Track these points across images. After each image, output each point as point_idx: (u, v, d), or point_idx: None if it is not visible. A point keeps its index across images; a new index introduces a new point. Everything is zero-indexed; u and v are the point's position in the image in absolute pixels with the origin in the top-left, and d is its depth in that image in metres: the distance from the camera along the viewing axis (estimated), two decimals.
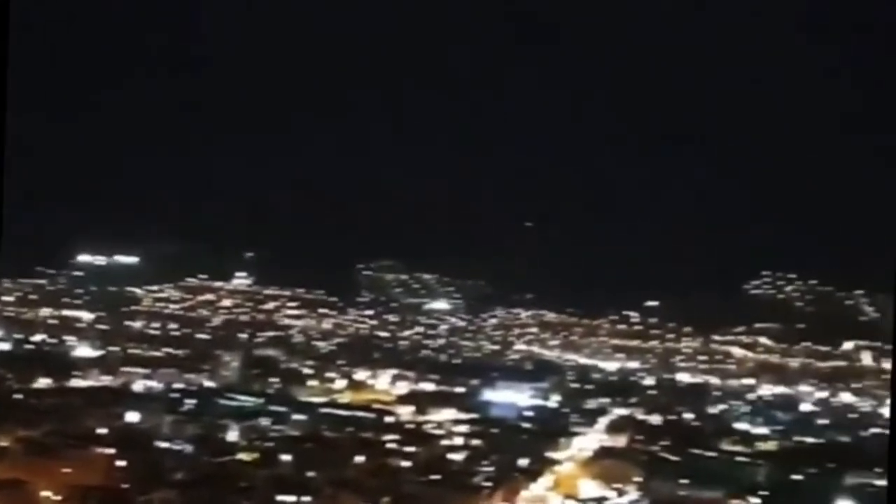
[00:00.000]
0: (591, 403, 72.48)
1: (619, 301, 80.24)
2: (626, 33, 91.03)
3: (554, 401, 73.41)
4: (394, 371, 74.64)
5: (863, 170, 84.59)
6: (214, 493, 52.49)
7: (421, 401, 70.38)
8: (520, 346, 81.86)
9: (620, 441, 68.13)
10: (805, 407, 75.20)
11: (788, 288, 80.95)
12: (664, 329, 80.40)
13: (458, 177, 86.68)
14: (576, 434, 68.38)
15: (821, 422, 72.79)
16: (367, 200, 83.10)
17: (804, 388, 76.83)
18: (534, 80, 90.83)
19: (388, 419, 67.04)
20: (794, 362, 78.35)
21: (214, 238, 78.33)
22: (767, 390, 76.92)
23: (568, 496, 63.80)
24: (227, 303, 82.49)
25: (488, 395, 72.12)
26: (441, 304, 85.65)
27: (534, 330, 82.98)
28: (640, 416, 71.54)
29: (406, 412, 68.65)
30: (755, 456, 68.65)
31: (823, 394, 76.14)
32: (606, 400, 72.97)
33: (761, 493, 64.88)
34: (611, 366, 79.55)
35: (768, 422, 72.75)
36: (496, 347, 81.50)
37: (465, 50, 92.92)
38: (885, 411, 74.28)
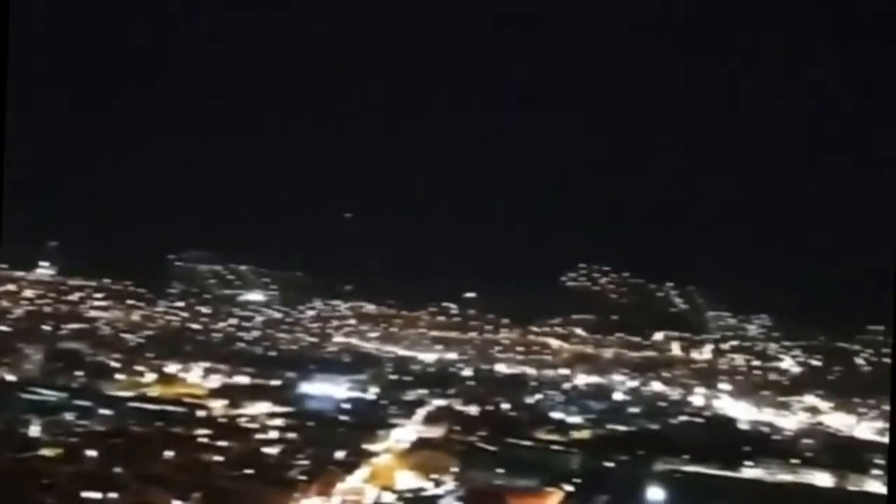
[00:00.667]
0: (410, 395, 72.40)
1: (439, 293, 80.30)
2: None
3: (372, 393, 73.05)
4: (206, 364, 73.10)
5: (671, 162, 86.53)
6: (16, 489, 50.59)
7: (234, 394, 69.17)
8: (338, 339, 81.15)
9: (438, 432, 68.24)
10: (617, 396, 76.63)
11: (603, 280, 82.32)
12: (482, 320, 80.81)
13: (277, 165, 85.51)
14: (393, 426, 68.23)
15: (632, 410, 74.30)
16: (180, 187, 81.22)
17: (617, 377, 78.27)
18: (366, 75, 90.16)
19: (200, 413, 65.68)
20: (608, 352, 79.76)
21: (15, 226, 75.09)
22: (582, 380, 78.11)
23: (384, 488, 63.58)
24: (29, 294, 79.55)
25: (305, 387, 71.32)
26: (256, 296, 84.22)
27: (352, 322, 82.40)
28: (458, 406, 71.78)
29: (219, 406, 67.38)
30: (569, 444, 69.76)
31: (635, 383, 77.70)
32: (425, 391, 72.98)
33: (575, 480, 65.95)
34: (429, 357, 79.51)
35: (582, 411, 73.93)
36: (314, 339, 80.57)
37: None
38: (694, 399, 76.41)
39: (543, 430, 70.89)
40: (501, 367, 78.90)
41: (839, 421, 72.91)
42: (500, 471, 66.74)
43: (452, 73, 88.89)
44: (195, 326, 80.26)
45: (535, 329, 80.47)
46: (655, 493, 65.36)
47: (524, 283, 77.04)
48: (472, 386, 75.03)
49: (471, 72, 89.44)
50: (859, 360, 75.76)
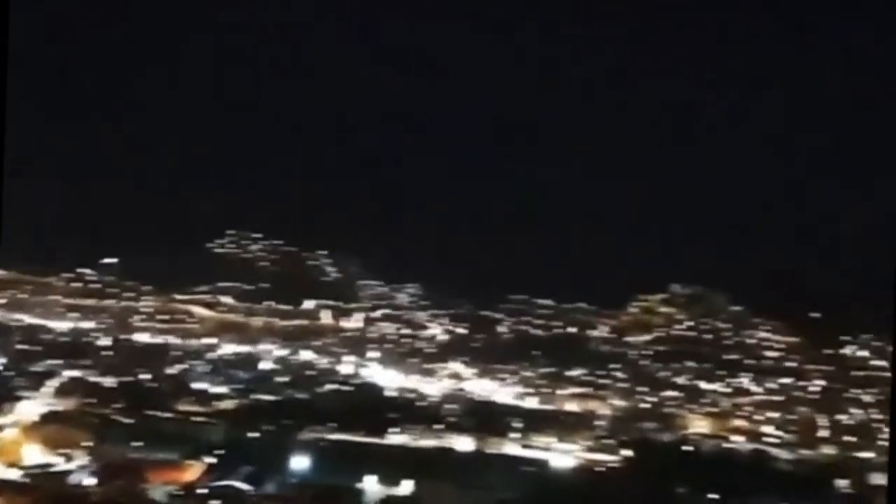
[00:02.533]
0: (39, 366, 68.63)
1: (75, 257, 76.09)
2: None
3: None
4: None
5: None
6: None
7: None
8: None
9: (69, 404, 65.01)
10: (265, 365, 75.33)
11: (253, 247, 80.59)
12: (122, 287, 77.48)
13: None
14: (21, 398, 64.51)
15: (280, 379, 73.24)
16: None
17: (265, 346, 76.93)
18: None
19: None
20: (257, 321, 78.26)
21: None
22: (228, 349, 76.35)
23: (11, 464, 60.15)
24: None
25: None
26: None
27: None
28: (93, 378, 68.62)
29: None
30: (212, 415, 68.15)
31: (284, 352, 76.59)
32: (57, 362, 69.34)
33: (217, 451, 64.42)
34: (62, 326, 75.59)
35: (228, 381, 72.34)
36: None
37: None
38: (343, 368, 76.08)
39: (186, 401, 68.93)
40: (142, 337, 76.08)
41: (481, 386, 74.26)
42: (138, 444, 64.50)
43: None
44: None
45: (179, 297, 77.92)
46: (300, 461, 64.67)
47: (168, 249, 74.26)
48: (109, 356, 71.90)
49: None
50: (502, 328, 77.37)
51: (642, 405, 70.64)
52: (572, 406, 71.35)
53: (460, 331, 77.68)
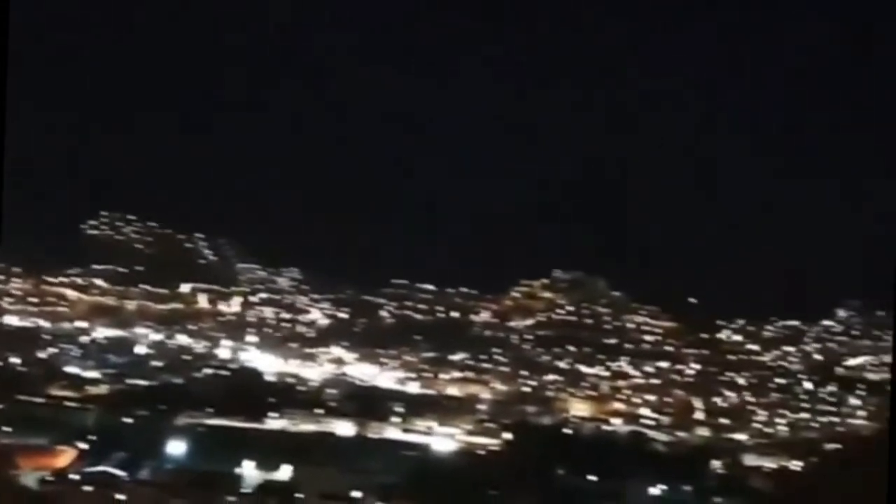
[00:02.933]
0: None
1: None
2: None
3: None
4: None
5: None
6: None
7: None
8: None
9: None
10: (140, 349, 73.85)
11: (127, 229, 78.75)
12: None
13: None
14: None
15: (155, 364, 71.95)
16: None
17: (140, 330, 75.34)
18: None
19: None
20: (131, 304, 76.54)
21: None
22: (101, 333, 74.61)
23: None
24: None
25: None
26: None
27: None
28: None
29: None
30: (85, 400, 66.81)
31: (159, 336, 75.11)
32: None
33: (89, 437, 63.23)
34: None
35: (101, 365, 70.86)
36: None
37: None
38: (220, 352, 74.90)
39: (57, 385, 67.32)
40: (13, 320, 73.90)
41: (362, 371, 73.89)
42: (8, 429, 62.93)
43: None
44: None
45: (50, 279, 75.81)
46: (176, 447, 63.67)
47: (39, 231, 72.15)
48: None
49: None
50: (383, 313, 77.05)
51: (524, 389, 71.05)
52: (454, 390, 71.41)
53: (342, 315, 77.12)
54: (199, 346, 74.64)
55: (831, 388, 69.43)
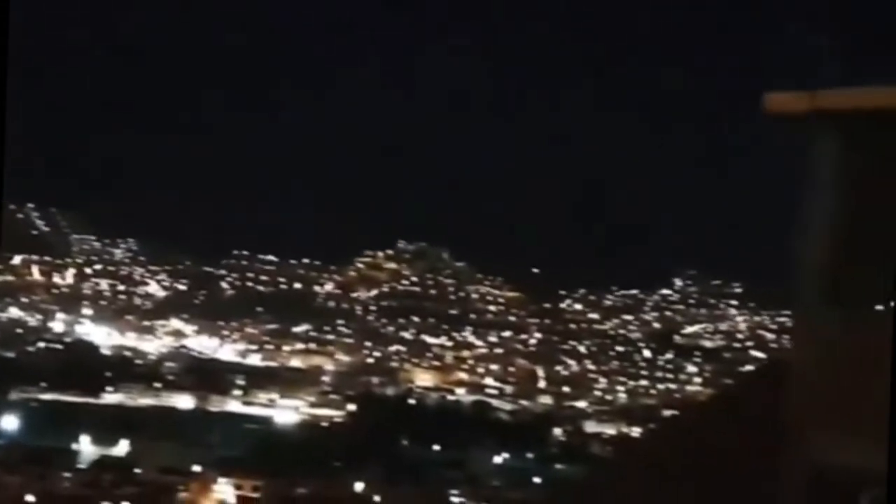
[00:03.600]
0: None
1: None
2: None
3: None
4: None
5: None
6: None
7: None
8: None
9: None
10: None
11: None
12: None
13: None
14: None
15: None
16: None
17: None
18: None
19: None
20: None
21: None
22: None
23: None
24: None
25: None
26: None
27: None
28: None
29: None
30: None
31: None
32: None
33: None
34: None
35: None
36: None
37: None
38: (54, 325, 72.62)
39: None
40: None
41: (202, 344, 72.52)
42: None
43: None
44: None
45: None
46: (9, 422, 61.49)
47: None
48: None
49: None
50: (224, 285, 75.72)
51: (368, 360, 70.65)
52: (297, 362, 70.60)
53: (180, 287, 75.47)
54: (32, 320, 72.21)
55: (669, 355, 70.80)
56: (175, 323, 73.43)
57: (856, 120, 10.83)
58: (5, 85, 5.03)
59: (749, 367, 56.95)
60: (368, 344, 71.19)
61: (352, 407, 65.52)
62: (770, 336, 68.12)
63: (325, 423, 64.76)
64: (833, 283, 10.97)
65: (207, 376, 67.93)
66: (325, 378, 68.82)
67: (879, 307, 11.36)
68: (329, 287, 74.50)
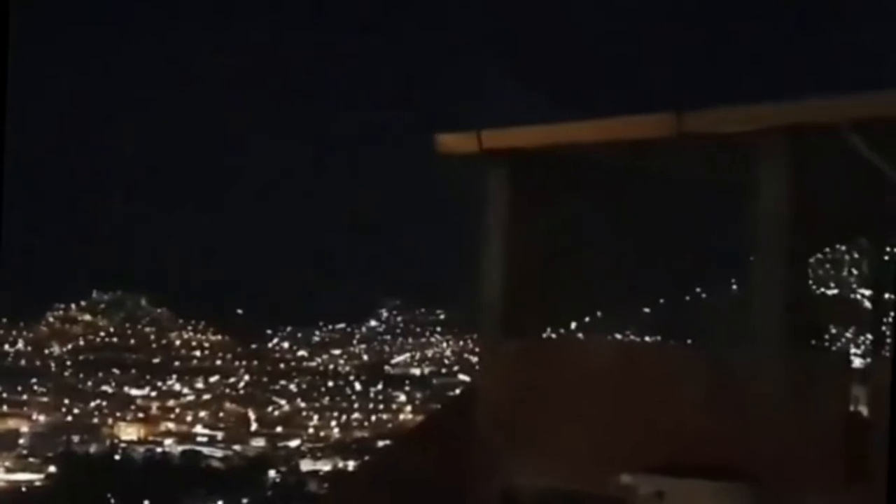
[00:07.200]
0: None
1: None
2: None
3: None
4: None
5: None
6: None
7: None
8: None
9: None
10: None
11: None
12: None
13: None
14: None
15: None
16: None
17: None
18: None
19: None
20: None
21: None
22: None
23: None
24: None
25: None
26: None
27: None
28: None
29: None
30: None
31: None
32: None
33: None
34: None
35: None
36: None
37: None
38: None
39: None
40: None
41: None
42: None
43: None
44: None
45: None
46: None
47: None
48: None
49: None
50: None
51: (67, 418, 67.66)
52: None
53: None
54: None
55: (380, 386, 70.84)
56: None
57: (519, 157, 11.37)
58: (5, 85, 4.86)
59: (456, 391, 57.53)
60: (66, 401, 68.21)
61: (52, 469, 62.54)
62: (475, 360, 69.13)
63: (24, 489, 61.56)
64: (508, 313, 11.46)
65: None
66: (21, 441, 65.46)
67: (552, 335, 12.37)
68: (20, 345, 71.12)
